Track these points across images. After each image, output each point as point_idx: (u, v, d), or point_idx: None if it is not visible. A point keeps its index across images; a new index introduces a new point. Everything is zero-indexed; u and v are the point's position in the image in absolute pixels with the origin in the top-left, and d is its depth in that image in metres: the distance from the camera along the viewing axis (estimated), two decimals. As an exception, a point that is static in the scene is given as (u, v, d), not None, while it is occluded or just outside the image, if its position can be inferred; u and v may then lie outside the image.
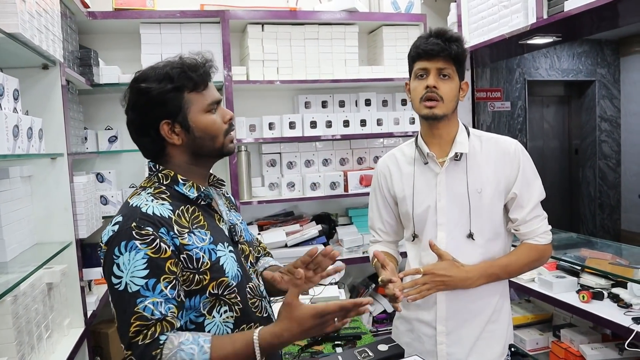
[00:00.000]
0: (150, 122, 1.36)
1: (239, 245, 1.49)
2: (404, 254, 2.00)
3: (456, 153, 1.79)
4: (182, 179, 1.39)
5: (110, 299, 1.28)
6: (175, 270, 1.28)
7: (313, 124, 3.44)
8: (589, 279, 2.66)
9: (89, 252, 3.16)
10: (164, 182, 1.39)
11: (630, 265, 2.50)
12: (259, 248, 1.75)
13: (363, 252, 3.49)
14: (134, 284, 1.22)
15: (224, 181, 1.56)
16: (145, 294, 1.22)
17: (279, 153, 3.59)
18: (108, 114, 3.40)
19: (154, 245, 1.25)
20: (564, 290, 2.67)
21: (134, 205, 1.32)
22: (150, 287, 1.23)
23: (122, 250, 1.24)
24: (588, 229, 6.44)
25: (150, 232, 1.26)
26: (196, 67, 1.37)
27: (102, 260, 1.31)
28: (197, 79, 1.37)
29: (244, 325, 1.40)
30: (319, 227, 3.49)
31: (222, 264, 1.37)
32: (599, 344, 2.57)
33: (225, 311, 1.37)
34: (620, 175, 6.54)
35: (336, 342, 2.29)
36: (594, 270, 2.64)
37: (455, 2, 3.46)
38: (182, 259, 1.30)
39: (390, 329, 3.37)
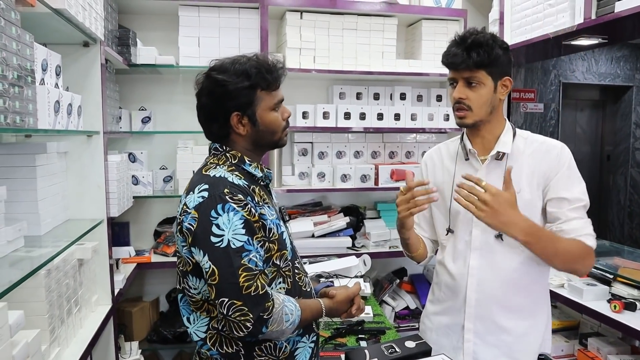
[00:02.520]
0: (222, 111, 1.52)
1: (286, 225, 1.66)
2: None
3: (498, 152, 1.77)
4: (248, 160, 1.56)
5: (207, 259, 1.39)
6: (259, 234, 1.46)
7: (347, 115, 3.42)
8: (621, 289, 2.60)
9: (117, 231, 3.20)
10: (233, 162, 1.54)
11: (667, 277, 2.44)
12: None
13: (389, 247, 3.47)
14: (237, 240, 1.38)
15: (269, 168, 1.66)
16: (249, 248, 1.40)
17: (311, 142, 3.56)
18: (142, 94, 3.41)
19: (246, 209, 1.42)
20: (595, 298, 2.61)
21: (217, 175, 1.47)
22: (251, 243, 1.41)
23: (219, 212, 1.39)
24: (615, 237, 6.30)
25: (243, 198, 1.43)
26: (272, 70, 1.53)
27: (188, 224, 1.42)
28: (271, 80, 1.53)
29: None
30: (347, 219, 3.47)
31: (285, 238, 1.56)
32: (627, 356, 2.52)
33: (280, 282, 1.53)
34: (652, 185, 6.40)
35: (360, 336, 2.28)
36: (628, 280, 2.58)
37: (498, -2, 3.39)
38: (261, 224, 1.47)
39: (413, 325, 3.40)
